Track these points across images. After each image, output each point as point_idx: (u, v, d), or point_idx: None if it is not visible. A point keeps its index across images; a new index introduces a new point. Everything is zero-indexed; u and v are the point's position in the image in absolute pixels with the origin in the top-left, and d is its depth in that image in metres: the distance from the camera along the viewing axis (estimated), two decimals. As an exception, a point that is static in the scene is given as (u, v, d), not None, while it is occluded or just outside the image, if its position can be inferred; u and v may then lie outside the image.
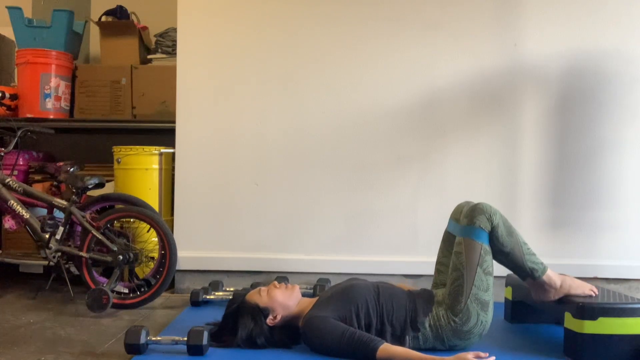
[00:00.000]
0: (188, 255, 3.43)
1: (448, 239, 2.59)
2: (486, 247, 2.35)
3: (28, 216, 3.17)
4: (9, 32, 4.18)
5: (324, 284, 3.23)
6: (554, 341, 2.54)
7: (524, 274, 2.41)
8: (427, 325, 2.34)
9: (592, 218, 3.39)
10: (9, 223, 3.22)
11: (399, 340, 2.32)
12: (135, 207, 3.22)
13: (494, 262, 2.40)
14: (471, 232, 2.36)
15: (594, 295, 2.39)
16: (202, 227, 3.48)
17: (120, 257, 3.09)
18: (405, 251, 3.42)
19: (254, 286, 3.09)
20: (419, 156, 3.43)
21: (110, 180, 3.60)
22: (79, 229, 3.23)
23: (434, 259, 2.66)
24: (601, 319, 2.26)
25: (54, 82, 3.94)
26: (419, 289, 2.56)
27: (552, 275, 2.40)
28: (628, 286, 3.38)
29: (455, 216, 2.55)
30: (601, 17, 3.38)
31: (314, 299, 2.45)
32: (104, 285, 3.07)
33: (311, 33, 3.46)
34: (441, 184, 3.42)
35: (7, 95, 3.93)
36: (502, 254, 2.38)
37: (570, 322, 2.32)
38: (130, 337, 2.29)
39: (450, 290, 2.36)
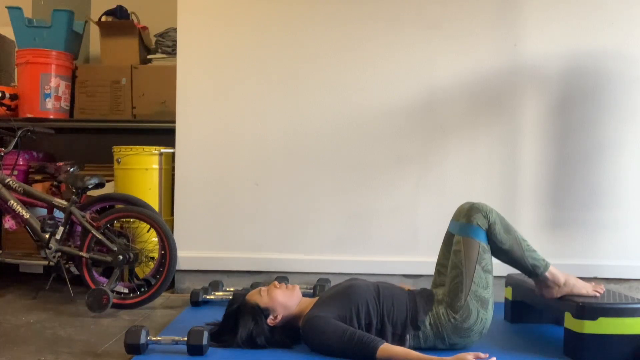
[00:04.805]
0: (188, 255, 3.43)
1: (449, 240, 2.59)
2: (484, 245, 2.37)
3: (28, 216, 3.17)
4: (9, 32, 4.18)
5: (324, 284, 3.23)
6: (554, 341, 2.54)
7: (527, 270, 2.42)
8: (427, 323, 2.34)
9: (592, 218, 3.39)
10: (9, 223, 3.22)
11: (399, 340, 2.32)
12: (135, 207, 3.22)
13: (496, 261, 2.41)
14: (469, 230, 2.38)
15: (597, 295, 2.39)
16: (202, 227, 3.48)
17: (120, 257, 3.09)
18: (405, 251, 3.42)
19: (254, 286, 3.09)
20: (419, 156, 3.44)
21: (110, 180, 3.60)
22: (79, 229, 3.22)
23: (434, 259, 2.65)
24: (601, 319, 2.27)
25: (54, 82, 3.94)
26: (419, 288, 2.57)
27: (555, 273, 2.41)
28: (628, 286, 3.38)
29: (457, 218, 2.56)
30: (601, 17, 3.38)
31: (314, 299, 2.46)
32: (104, 285, 3.07)
33: (311, 33, 3.46)
34: (441, 184, 3.42)
35: (7, 95, 3.93)
36: (501, 252, 2.40)
37: (570, 322, 2.32)
38: (130, 337, 2.29)
39: (450, 287, 2.37)
